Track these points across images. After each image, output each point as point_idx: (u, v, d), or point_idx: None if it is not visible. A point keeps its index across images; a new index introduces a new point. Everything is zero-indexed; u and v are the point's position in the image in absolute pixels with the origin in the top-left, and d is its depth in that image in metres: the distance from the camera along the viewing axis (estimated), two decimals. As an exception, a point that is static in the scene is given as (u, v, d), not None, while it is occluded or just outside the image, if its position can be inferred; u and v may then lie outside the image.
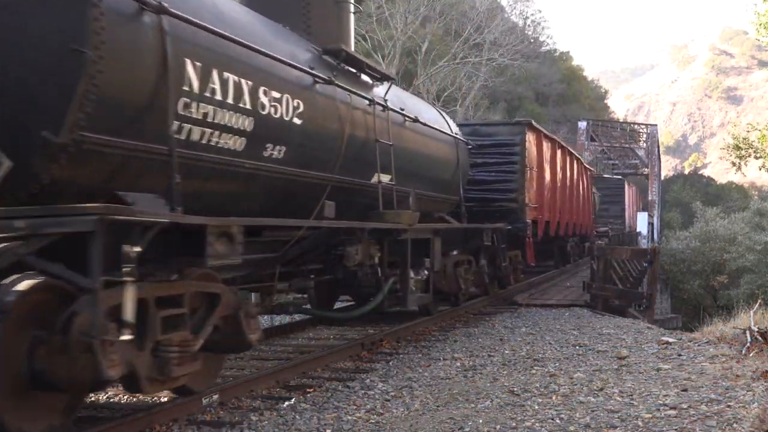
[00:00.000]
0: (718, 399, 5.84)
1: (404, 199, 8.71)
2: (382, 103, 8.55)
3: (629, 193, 40.95)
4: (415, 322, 9.81)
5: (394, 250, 8.50)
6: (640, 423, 5.21)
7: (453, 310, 11.07)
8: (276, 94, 6.21)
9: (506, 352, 8.26)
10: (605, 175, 40.07)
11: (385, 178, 8.44)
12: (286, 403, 5.80)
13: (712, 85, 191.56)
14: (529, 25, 49.64)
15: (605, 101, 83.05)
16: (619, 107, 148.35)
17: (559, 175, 18.28)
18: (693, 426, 5.10)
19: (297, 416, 5.46)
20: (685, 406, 5.65)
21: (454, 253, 10.93)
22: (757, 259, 29.97)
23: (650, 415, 5.41)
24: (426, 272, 9.26)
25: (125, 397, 6.12)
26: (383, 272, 8.25)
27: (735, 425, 5.06)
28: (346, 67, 7.89)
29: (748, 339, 8.28)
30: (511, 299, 13.47)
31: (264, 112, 6.04)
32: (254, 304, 5.94)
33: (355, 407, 5.75)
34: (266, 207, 6.52)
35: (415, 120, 9.63)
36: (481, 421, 5.31)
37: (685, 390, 6.21)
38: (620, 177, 40.47)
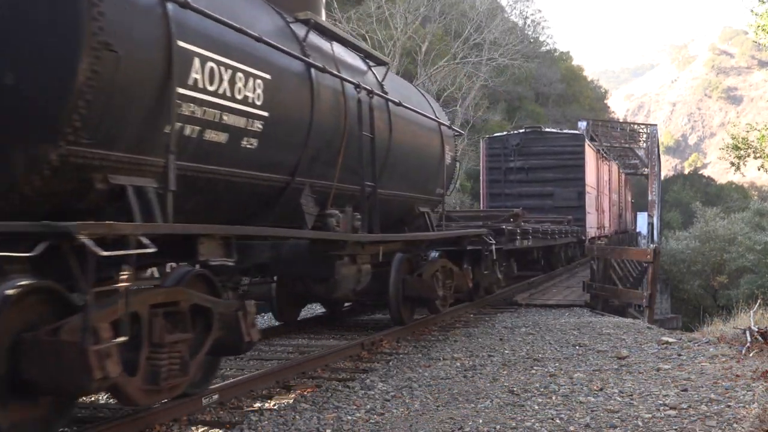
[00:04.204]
0: (718, 399, 5.84)
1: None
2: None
3: (599, 167, 24.77)
4: (415, 322, 9.81)
5: None
6: (640, 423, 5.21)
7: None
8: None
9: (506, 352, 8.26)
10: (547, 129, 24.21)
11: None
12: None
13: (712, 85, 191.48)
14: (528, 25, 49.80)
15: (605, 101, 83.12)
16: (619, 107, 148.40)
17: None
18: (693, 426, 5.10)
19: (297, 416, 5.46)
20: (685, 406, 5.65)
21: None
22: (757, 259, 30.00)
23: (650, 415, 5.41)
24: None
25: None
26: None
27: (735, 425, 5.06)
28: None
29: (748, 339, 8.27)
30: (511, 299, 13.47)
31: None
32: None
33: (355, 407, 5.75)
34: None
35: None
36: (481, 421, 5.31)
37: (685, 390, 6.21)
38: (576, 132, 24.34)
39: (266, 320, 10.86)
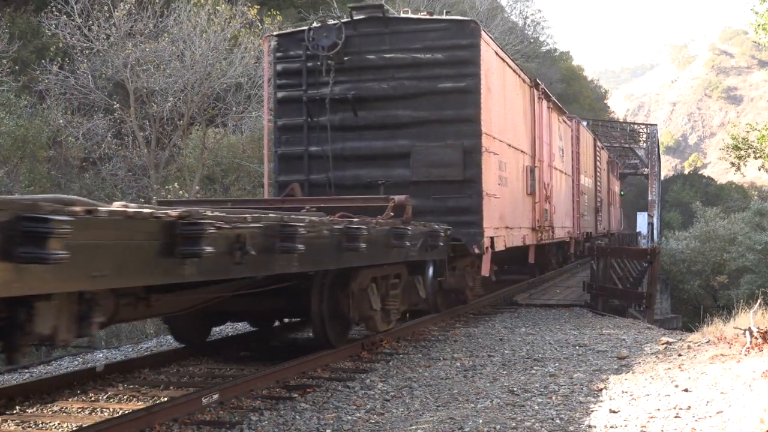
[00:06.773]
0: (718, 399, 5.84)
1: None
2: None
3: (535, 111, 13.52)
4: (415, 321, 9.81)
5: None
6: (640, 423, 5.20)
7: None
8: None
9: (506, 352, 8.27)
10: (401, 15, 10.88)
11: None
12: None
13: (712, 85, 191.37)
14: (529, 25, 49.82)
15: (605, 101, 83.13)
16: (619, 107, 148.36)
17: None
18: (693, 426, 5.10)
19: (297, 416, 5.47)
20: (685, 406, 5.64)
21: None
22: (757, 259, 29.97)
23: (650, 416, 5.41)
24: None
25: (125, 396, 6.13)
26: None
27: (735, 425, 5.06)
28: None
29: (748, 339, 8.27)
30: (511, 299, 13.47)
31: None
32: None
33: (355, 407, 5.75)
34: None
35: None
36: (481, 421, 5.30)
37: (685, 390, 6.21)
38: (462, 18, 10.39)
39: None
